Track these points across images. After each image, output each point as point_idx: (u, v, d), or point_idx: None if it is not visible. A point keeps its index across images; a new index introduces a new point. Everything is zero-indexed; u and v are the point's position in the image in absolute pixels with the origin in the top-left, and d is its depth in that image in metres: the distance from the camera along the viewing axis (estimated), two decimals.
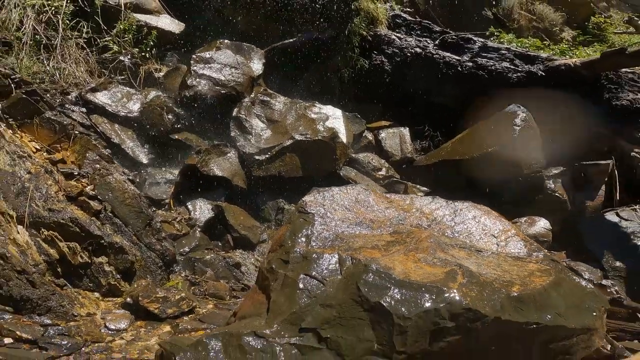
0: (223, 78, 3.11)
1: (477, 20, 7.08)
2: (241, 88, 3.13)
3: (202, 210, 2.39)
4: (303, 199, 1.31)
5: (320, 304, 0.93)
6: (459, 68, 5.19)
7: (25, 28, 3.23)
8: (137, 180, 2.20)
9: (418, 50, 5.44)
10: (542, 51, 5.94)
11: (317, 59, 5.14)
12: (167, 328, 1.76)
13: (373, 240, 1.13)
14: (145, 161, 2.37)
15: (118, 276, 1.76)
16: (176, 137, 2.53)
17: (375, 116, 4.91)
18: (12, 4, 3.32)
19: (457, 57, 5.22)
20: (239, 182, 2.55)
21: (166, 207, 2.29)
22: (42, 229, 1.56)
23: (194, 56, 3.26)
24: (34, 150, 1.84)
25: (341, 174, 3.04)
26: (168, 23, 4.14)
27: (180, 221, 2.26)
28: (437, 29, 5.79)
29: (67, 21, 3.52)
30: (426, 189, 3.82)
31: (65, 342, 1.51)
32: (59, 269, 1.61)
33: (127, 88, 2.86)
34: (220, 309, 1.92)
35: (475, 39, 5.45)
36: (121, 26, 3.80)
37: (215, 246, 2.27)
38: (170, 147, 2.51)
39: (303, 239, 1.12)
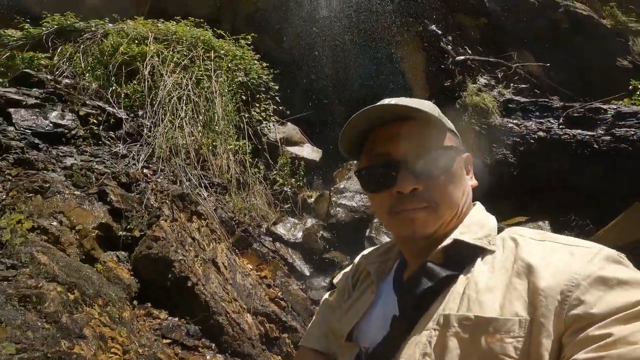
0: (355, 205, 4.91)
1: (613, 75, 7.18)
2: (370, 211, 4.86)
3: None
4: None
5: None
6: (595, 145, 5.07)
7: (231, 170, 4.98)
8: (304, 286, 4.05)
9: (541, 133, 5.43)
10: None
11: None
12: None
13: None
14: (307, 274, 4.24)
15: (292, 346, 3.50)
16: (326, 256, 4.39)
17: (508, 213, 5.06)
18: (221, 151, 5.10)
19: (590, 133, 5.13)
20: None
21: None
22: (258, 316, 3.44)
23: (332, 188, 5.20)
24: (249, 270, 3.85)
25: None
26: (309, 152, 6.18)
27: None
28: (558, 105, 5.75)
29: (250, 160, 5.67)
30: None
31: None
32: (263, 339, 3.44)
33: (293, 219, 4.87)
34: None
35: (604, 107, 5.34)
36: (281, 160, 5.96)
37: None
38: (323, 263, 4.36)
39: None
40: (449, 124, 1.05)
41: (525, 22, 7.76)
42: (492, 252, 0.91)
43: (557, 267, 0.80)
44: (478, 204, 1.08)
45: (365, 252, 1.26)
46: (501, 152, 5.55)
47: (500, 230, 0.98)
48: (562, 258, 0.82)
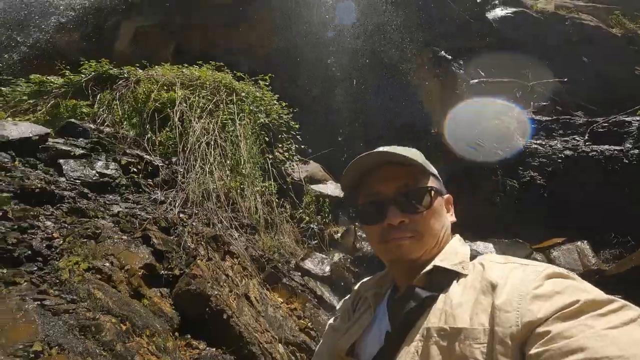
0: None
1: (633, 84, 7.25)
2: None
3: None
4: None
5: None
6: (625, 160, 5.14)
7: (259, 211, 5.39)
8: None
9: (568, 152, 5.48)
10: None
11: (463, 190, 5.76)
12: None
13: None
14: (336, 304, 4.55)
15: None
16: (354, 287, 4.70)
17: (543, 235, 5.17)
18: (249, 193, 5.54)
19: (618, 148, 5.20)
20: None
21: None
22: (289, 345, 3.77)
23: (357, 223, 5.53)
24: (280, 303, 4.21)
25: None
26: (333, 189, 6.41)
27: None
28: (581, 121, 5.81)
29: (276, 200, 6.06)
30: (619, 296, 4.24)
31: None
32: None
33: (321, 254, 5.21)
34: None
35: (628, 119, 5.38)
36: (306, 199, 6.32)
37: None
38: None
39: None
40: (432, 169, 1.30)
41: (535, 39, 7.98)
42: (465, 275, 1.13)
43: (512, 285, 1.00)
44: (457, 235, 1.31)
45: (363, 280, 1.51)
46: (528, 175, 5.60)
47: (473, 257, 1.20)
48: (517, 275, 1.02)
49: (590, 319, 0.86)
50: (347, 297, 1.54)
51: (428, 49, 7.69)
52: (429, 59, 7.62)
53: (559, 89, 7.55)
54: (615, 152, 5.12)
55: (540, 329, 0.89)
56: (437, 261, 1.17)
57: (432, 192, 1.23)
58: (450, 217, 1.33)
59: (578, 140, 5.51)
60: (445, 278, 1.14)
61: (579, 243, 5.02)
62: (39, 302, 2.57)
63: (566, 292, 0.93)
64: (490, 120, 5.86)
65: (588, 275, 4.61)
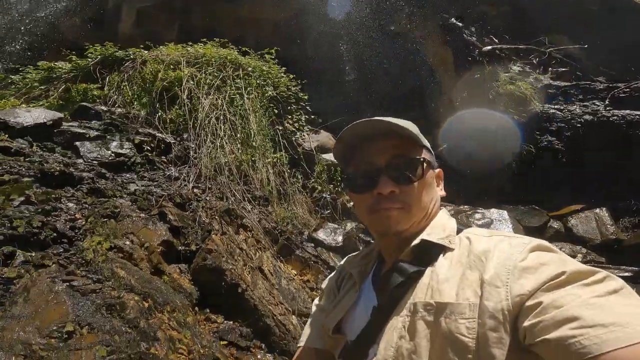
0: None
1: None
2: None
3: None
4: None
5: None
6: None
7: (271, 182, 5.55)
8: None
9: (588, 117, 5.48)
10: None
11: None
12: None
13: None
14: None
15: None
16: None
17: (562, 202, 5.18)
18: (260, 165, 5.68)
19: (639, 113, 5.17)
20: None
21: None
22: (302, 317, 3.97)
23: None
24: (293, 275, 4.40)
25: None
26: None
27: None
28: (602, 86, 5.79)
29: (288, 170, 6.10)
30: (637, 268, 4.12)
31: None
32: None
33: (333, 224, 5.34)
34: None
35: None
36: (318, 168, 6.44)
37: None
38: None
39: None
40: (425, 142, 1.28)
41: (551, 6, 7.80)
42: (452, 249, 1.13)
43: (499, 259, 1.01)
44: (443, 209, 1.31)
45: (348, 257, 1.51)
46: (546, 140, 5.58)
47: (459, 231, 1.20)
48: (504, 248, 1.03)
49: (576, 289, 0.88)
50: (331, 275, 1.54)
51: (437, 16, 7.56)
52: (438, 25, 7.51)
53: (579, 55, 7.39)
54: (637, 117, 5.08)
55: (531, 302, 0.91)
56: (425, 235, 1.17)
57: (424, 164, 1.23)
58: (440, 192, 1.33)
59: (598, 105, 5.45)
60: (432, 252, 1.15)
61: (597, 210, 4.98)
62: (67, 283, 2.73)
63: (551, 264, 0.95)
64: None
65: (606, 244, 4.59)
